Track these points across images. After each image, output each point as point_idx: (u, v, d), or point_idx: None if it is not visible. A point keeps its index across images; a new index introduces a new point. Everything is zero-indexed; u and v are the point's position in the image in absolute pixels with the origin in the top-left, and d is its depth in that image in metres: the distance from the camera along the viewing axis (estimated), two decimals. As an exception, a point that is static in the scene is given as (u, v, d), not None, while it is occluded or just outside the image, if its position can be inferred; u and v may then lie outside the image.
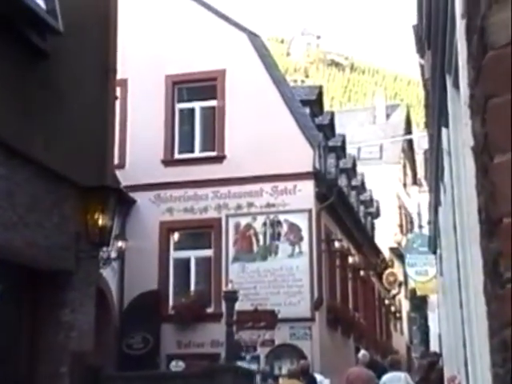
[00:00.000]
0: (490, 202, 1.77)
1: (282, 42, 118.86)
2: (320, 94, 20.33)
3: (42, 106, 6.06)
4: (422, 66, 9.70)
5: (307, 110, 18.76)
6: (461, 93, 2.49)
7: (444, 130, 3.99)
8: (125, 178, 15.29)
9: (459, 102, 2.65)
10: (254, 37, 17.21)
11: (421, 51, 8.40)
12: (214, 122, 16.68)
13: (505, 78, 1.69)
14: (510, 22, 1.63)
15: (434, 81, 4.25)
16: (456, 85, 2.90)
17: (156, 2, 17.16)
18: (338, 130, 22.82)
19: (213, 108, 16.79)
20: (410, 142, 40.46)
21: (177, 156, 16.74)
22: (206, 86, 16.87)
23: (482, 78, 1.81)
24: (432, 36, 3.93)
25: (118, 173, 13.90)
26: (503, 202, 1.64)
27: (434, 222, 9.70)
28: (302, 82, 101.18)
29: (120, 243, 13.97)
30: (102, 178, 6.92)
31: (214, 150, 16.58)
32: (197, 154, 16.73)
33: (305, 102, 18.70)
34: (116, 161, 13.11)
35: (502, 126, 1.67)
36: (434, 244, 11.45)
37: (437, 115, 4.26)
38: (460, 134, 2.91)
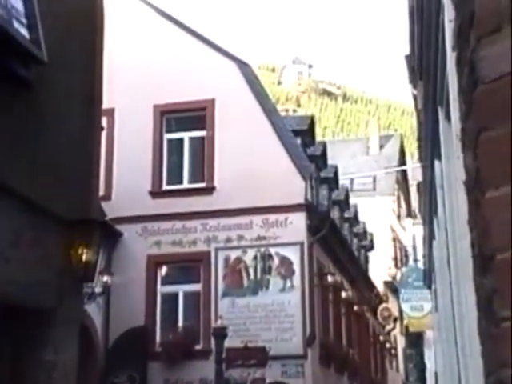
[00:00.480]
0: (483, 237, 1.78)
1: (273, 70, 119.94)
2: (312, 124, 20.47)
3: (24, 137, 6.06)
4: (414, 96, 9.80)
5: (299, 141, 18.85)
6: (452, 126, 2.51)
7: (437, 163, 4.02)
8: (111, 210, 15.25)
9: (451, 135, 2.67)
10: (243, 66, 17.37)
11: (413, 81, 8.49)
12: (203, 153, 16.72)
13: (496, 112, 1.71)
14: (500, 56, 1.66)
15: (426, 113, 4.29)
16: (448, 117, 2.93)
17: (144, 30, 17.31)
18: (331, 160, 22.92)
19: (202, 138, 16.85)
20: (404, 173, 40.69)
21: (165, 187, 16.73)
22: (194, 115, 16.95)
23: (473, 111, 1.83)
24: (424, 67, 3.98)
25: (103, 205, 13.87)
26: (495, 237, 1.65)
27: (429, 256, 9.69)
28: (294, 111, 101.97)
29: (105, 278, 13.88)
30: (87, 211, 6.89)
31: (203, 181, 16.59)
32: (185, 185, 16.73)
33: (296, 132, 18.81)
34: (102, 192, 13.18)
35: (493, 161, 1.69)
36: (428, 278, 11.43)
37: (429, 147, 4.30)
38: (452, 167, 2.93)
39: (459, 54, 2.12)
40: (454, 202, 3.19)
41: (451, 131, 2.75)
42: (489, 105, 1.70)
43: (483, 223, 1.72)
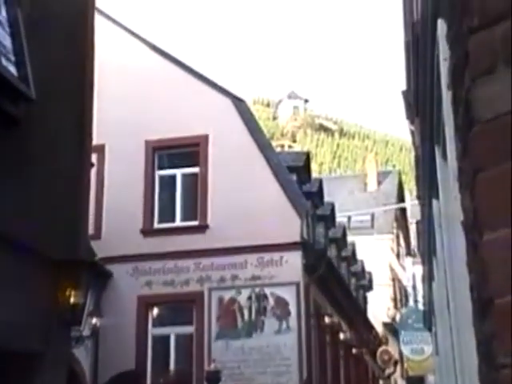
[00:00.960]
0: (481, 280, 1.78)
1: (268, 105, 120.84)
2: (308, 160, 20.55)
3: (12, 174, 6.06)
4: (412, 132, 9.87)
5: (294, 177, 18.90)
6: (449, 165, 2.53)
7: (435, 202, 4.04)
8: (100, 249, 15.17)
9: (448, 174, 2.69)
10: (238, 101, 17.50)
11: (410, 117, 8.56)
12: (196, 190, 16.73)
13: (492, 153, 1.72)
14: (495, 96, 1.68)
15: (423, 150, 4.33)
16: (444, 156, 2.95)
17: (135, 65, 17.45)
18: (327, 197, 22.96)
19: (195, 175, 16.88)
20: (402, 211, 40.73)
21: (156, 225, 16.69)
22: (187, 152, 17.01)
23: (469, 151, 1.84)
24: (420, 105, 4.02)
25: (93, 244, 13.81)
26: (494, 281, 1.65)
27: (429, 297, 9.64)
28: (290, 147, 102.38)
29: (94, 320, 13.73)
30: (75, 251, 6.85)
31: (195, 219, 16.56)
32: (178, 223, 16.70)
33: (292, 169, 18.87)
34: (91, 231, 13.12)
35: (490, 202, 1.69)
36: (429, 320, 11.35)
37: (427, 186, 4.32)
38: (450, 207, 2.94)
39: (454, 92, 2.14)
40: (453, 242, 3.19)
41: (448, 170, 2.76)
42: (485, 145, 1.71)
43: (481, 266, 1.72)
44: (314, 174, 24.05)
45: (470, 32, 1.68)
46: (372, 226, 36.97)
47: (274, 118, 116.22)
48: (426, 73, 3.49)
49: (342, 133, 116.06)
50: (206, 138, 16.71)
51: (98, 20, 11.39)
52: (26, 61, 5.64)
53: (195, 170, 16.88)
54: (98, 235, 15.75)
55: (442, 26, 2.44)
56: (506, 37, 1.62)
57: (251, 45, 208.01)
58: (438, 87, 2.94)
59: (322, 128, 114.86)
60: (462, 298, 2.70)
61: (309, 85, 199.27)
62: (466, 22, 1.69)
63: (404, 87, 9.38)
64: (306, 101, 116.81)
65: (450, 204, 3.11)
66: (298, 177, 19.17)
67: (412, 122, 8.29)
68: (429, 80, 3.33)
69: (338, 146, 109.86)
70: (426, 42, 3.21)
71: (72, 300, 6.45)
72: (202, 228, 16.31)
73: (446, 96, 2.45)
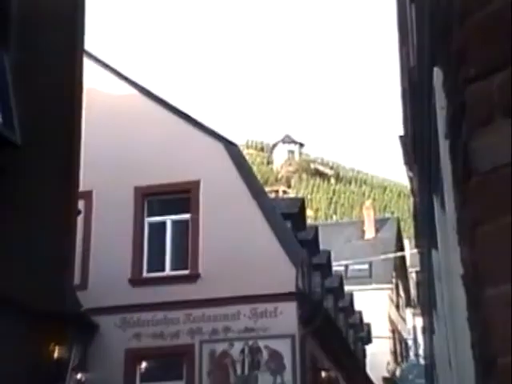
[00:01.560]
0: (483, 338, 1.76)
1: (262, 149, 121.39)
2: (303, 207, 20.58)
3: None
4: (411, 178, 9.93)
5: (289, 224, 18.90)
6: (448, 216, 2.53)
7: (434, 253, 4.03)
8: (87, 300, 14.98)
9: (447, 225, 2.70)
10: (230, 146, 17.59)
11: (409, 163, 8.63)
12: (186, 238, 16.69)
13: (491, 205, 1.73)
14: (494, 147, 1.69)
15: (421, 199, 4.35)
16: (443, 206, 2.96)
17: (124, 108, 17.57)
18: (323, 245, 22.92)
19: (186, 222, 16.86)
20: (402, 259, 40.65)
21: (145, 275, 16.59)
22: (178, 198, 17.02)
23: (468, 203, 1.85)
24: (417, 152, 4.06)
25: (79, 294, 13.60)
26: (496, 339, 1.63)
27: (430, 351, 9.56)
28: (284, 192, 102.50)
29: (79, 375, 13.51)
30: (60, 302, 6.79)
31: (186, 269, 16.48)
32: (168, 272, 16.61)
33: (286, 216, 18.88)
34: (77, 281, 13.02)
35: (490, 257, 1.69)
36: (431, 376, 11.22)
37: (426, 236, 4.32)
38: (450, 259, 2.94)
39: (452, 142, 2.16)
40: (453, 296, 3.18)
41: (447, 221, 2.77)
42: (484, 197, 1.72)
43: (483, 324, 1.71)
44: (310, 221, 24.08)
45: (467, 82, 1.70)
46: (370, 276, 36.83)
47: (268, 163, 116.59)
48: (422, 121, 3.52)
49: (338, 178, 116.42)
50: (197, 183, 16.74)
51: (87, 63, 11.53)
52: (12, 106, 5.66)
53: (186, 216, 16.87)
54: (84, 285, 15.62)
55: (438, 74, 2.48)
56: (503, 87, 1.65)
57: (245, 87, 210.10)
58: (436, 136, 2.97)
59: (318, 173, 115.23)
60: (464, 355, 2.67)
61: (304, 128, 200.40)
62: (462, 72, 1.72)
63: (401, 132, 9.48)
64: (301, 145, 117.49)
65: (449, 256, 3.10)
66: (292, 224, 19.16)
67: (410, 169, 8.35)
68: (426, 128, 3.36)
69: (334, 191, 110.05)
70: (423, 90, 3.25)
71: (56, 355, 6.37)
72: (193, 277, 16.22)
73: (444, 145, 2.46)
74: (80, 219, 12.17)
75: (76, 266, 7.86)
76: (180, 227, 17.04)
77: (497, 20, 1.56)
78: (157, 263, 16.75)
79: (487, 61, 1.65)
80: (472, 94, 1.71)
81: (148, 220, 17.06)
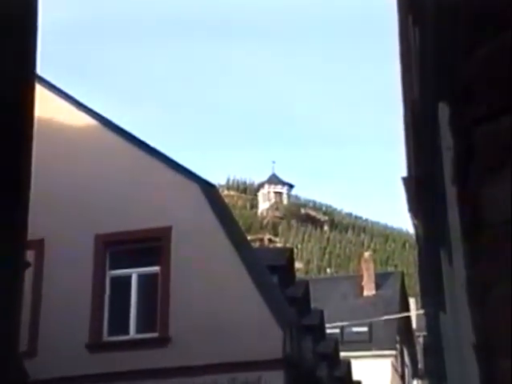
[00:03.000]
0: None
1: (245, 191, 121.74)
2: (291, 258, 20.62)
3: None
4: (416, 227, 9.96)
5: (275, 279, 18.88)
6: (456, 273, 2.54)
7: (442, 315, 4.03)
8: (36, 369, 14.77)
9: (456, 284, 2.70)
10: (208, 187, 17.63)
11: (413, 210, 8.66)
12: (155, 294, 16.60)
13: (506, 264, 1.74)
14: (506, 197, 1.71)
15: (427, 253, 4.36)
16: (451, 261, 2.98)
17: (84, 143, 17.60)
18: (315, 304, 22.88)
19: (154, 276, 16.79)
20: (407, 321, 40.55)
21: (106, 339, 16.46)
22: (146, 248, 16.97)
23: (479, 261, 1.85)
24: (422, 198, 4.09)
25: (26, 363, 13.47)
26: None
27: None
28: (270, 241, 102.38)
29: None
30: (3, 373, 6.68)
31: (155, 331, 16.37)
32: (132, 335, 16.49)
33: (272, 268, 18.88)
34: (24, 347, 12.87)
35: (506, 324, 1.69)
36: None
37: (433, 295, 4.33)
38: (459, 322, 2.94)
39: (460, 189, 2.19)
40: (464, 367, 3.17)
41: (455, 278, 2.78)
42: (496, 254, 1.73)
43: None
44: (299, 275, 24.03)
45: (475, 123, 1.73)
46: (370, 340, 36.69)
47: (252, 207, 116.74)
48: (427, 161, 3.56)
49: (332, 225, 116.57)
50: (168, 230, 16.71)
51: (39, 89, 11.55)
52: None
53: (155, 269, 16.80)
54: (33, 352, 15.46)
55: (443, 110, 2.52)
56: (515, 129, 1.67)
57: (225, 118, 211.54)
58: (442, 180, 3.00)
59: (309, 219, 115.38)
60: None
61: (293, 167, 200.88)
62: (469, 111, 1.74)
63: (404, 173, 9.55)
64: (291, 186, 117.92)
65: (458, 319, 3.11)
66: (279, 278, 19.17)
67: (415, 216, 8.39)
68: (431, 170, 3.39)
69: (328, 240, 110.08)
70: (427, 126, 3.29)
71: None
72: (163, 341, 16.10)
73: (451, 191, 2.49)
74: (28, 273, 12.07)
75: (23, 329, 7.75)
76: (148, 282, 16.95)
77: (506, 54, 1.58)
78: (120, 325, 16.62)
79: (497, 99, 1.68)
80: (480, 136, 1.73)
81: (110, 273, 16.96)
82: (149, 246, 16.97)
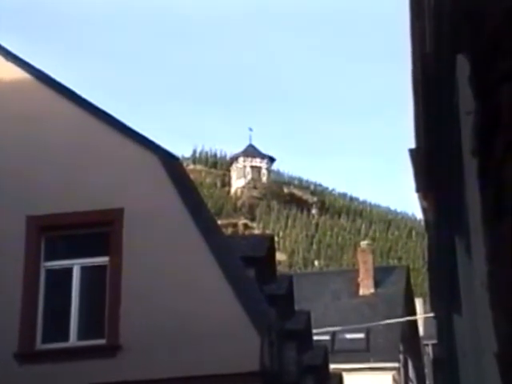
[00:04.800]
0: None
1: (216, 165, 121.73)
2: (272, 248, 20.61)
3: None
4: (424, 210, 9.97)
5: (252, 273, 18.89)
6: (475, 267, 2.54)
7: (457, 318, 4.04)
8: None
9: (473, 279, 2.70)
10: (170, 160, 17.58)
11: (422, 189, 8.65)
12: (103, 291, 16.59)
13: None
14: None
15: (439, 242, 4.37)
16: (469, 251, 2.97)
17: (14, 101, 17.45)
18: (301, 304, 22.94)
19: (102, 268, 16.76)
20: (412, 326, 40.82)
21: (40, 347, 16.43)
22: (91, 234, 16.95)
23: (503, 254, 1.83)
24: (434, 174, 4.08)
25: None
26: None
27: None
28: (246, 227, 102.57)
29: None
30: None
31: (101, 337, 16.37)
32: (73, 342, 16.47)
33: (249, 260, 18.92)
34: None
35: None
36: None
37: (445, 294, 4.34)
38: (478, 327, 2.94)
39: (481, 163, 2.17)
40: (483, 380, 3.19)
41: (474, 274, 2.77)
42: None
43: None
44: (282, 269, 24.12)
45: (502, 80, 1.70)
46: (367, 349, 36.92)
47: (224, 185, 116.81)
48: (441, 129, 3.55)
49: (323, 208, 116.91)
50: (119, 213, 16.67)
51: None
52: None
53: (103, 260, 16.77)
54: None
55: (462, 64, 2.49)
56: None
57: (189, 78, 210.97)
58: (459, 151, 2.98)
59: (294, 200, 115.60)
60: None
61: (275, 136, 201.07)
62: (495, 65, 1.71)
63: (412, 144, 9.53)
64: (272, 160, 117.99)
65: (477, 323, 3.11)
66: (257, 272, 19.19)
67: (425, 197, 8.36)
68: (446, 139, 3.38)
69: (316, 227, 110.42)
70: (441, 85, 3.27)
71: None
72: (112, 350, 16.12)
73: (470, 166, 2.47)
74: None
75: None
76: (93, 276, 16.95)
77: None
78: (57, 329, 16.63)
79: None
80: (509, 95, 1.70)
81: (46, 265, 16.91)
82: (95, 231, 16.94)
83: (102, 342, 16.38)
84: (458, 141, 3.07)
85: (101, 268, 16.85)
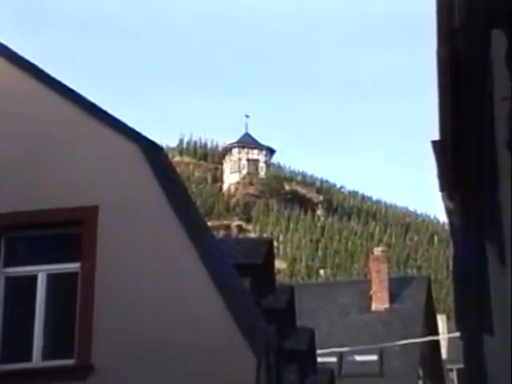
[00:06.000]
0: None
1: (206, 157, 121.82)
2: (270, 255, 20.59)
3: None
4: (449, 212, 9.98)
5: (247, 283, 18.91)
6: (510, 278, 2.53)
7: (487, 340, 4.04)
8: None
9: (508, 292, 2.69)
10: (153, 150, 17.58)
11: (448, 188, 8.63)
12: (73, 303, 16.58)
13: None
14: None
15: (466, 249, 4.37)
16: (502, 260, 2.97)
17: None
18: (303, 320, 22.93)
19: (72, 276, 16.76)
20: (434, 347, 40.86)
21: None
22: (60, 235, 16.95)
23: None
24: (461, 171, 4.09)
25: None
26: None
27: None
28: (241, 229, 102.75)
29: None
30: None
31: (70, 356, 16.33)
32: (37, 362, 16.41)
33: (243, 269, 18.91)
34: None
35: None
36: None
37: (473, 311, 4.34)
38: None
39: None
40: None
41: (508, 284, 2.77)
42: None
43: None
44: (282, 279, 24.19)
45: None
46: (381, 373, 36.94)
47: (215, 180, 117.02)
48: (470, 118, 3.55)
49: (330, 208, 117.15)
50: (93, 211, 16.67)
51: None
52: None
53: (73, 266, 16.76)
54: None
55: (497, 41, 2.48)
56: None
57: (176, 56, 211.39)
58: (491, 144, 2.97)
59: (297, 199, 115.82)
60: None
61: (275, 125, 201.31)
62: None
63: (436, 135, 9.50)
64: (271, 151, 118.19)
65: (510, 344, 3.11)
66: (253, 283, 19.21)
67: (450, 197, 8.34)
68: (475, 130, 3.38)
69: (322, 230, 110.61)
70: (472, 66, 3.26)
71: None
72: (83, 372, 16.13)
73: (504, 161, 2.48)
74: None
75: None
76: (62, 285, 16.95)
77: None
78: (19, 347, 16.65)
79: None
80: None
81: (6, 272, 16.91)
82: (64, 233, 16.94)
83: (70, 362, 16.33)
84: (490, 132, 3.08)
85: (71, 276, 16.83)
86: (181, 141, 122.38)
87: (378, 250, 50.51)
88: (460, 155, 4.24)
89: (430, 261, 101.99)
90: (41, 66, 18.00)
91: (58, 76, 17.97)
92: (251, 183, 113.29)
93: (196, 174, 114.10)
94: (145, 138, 17.53)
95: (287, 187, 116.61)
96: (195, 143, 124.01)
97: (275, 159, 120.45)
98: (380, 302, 41.99)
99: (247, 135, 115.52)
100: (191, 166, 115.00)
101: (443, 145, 8.12)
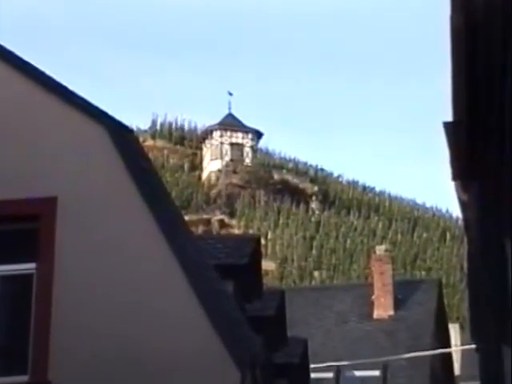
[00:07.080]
0: None
1: (183, 141, 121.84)
2: (257, 254, 20.63)
3: None
4: (464, 205, 9.99)
5: (231, 287, 18.93)
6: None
7: (507, 351, 4.05)
8: None
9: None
10: (121, 132, 17.57)
11: (461, 177, 8.63)
12: (27, 310, 16.59)
13: None
14: None
15: (484, 249, 4.37)
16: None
17: None
18: (295, 329, 22.94)
19: (27, 278, 16.76)
20: (445, 361, 40.98)
21: None
22: (13, 232, 16.94)
23: None
24: (478, 158, 4.08)
25: None
26: None
27: None
28: (223, 225, 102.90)
29: None
30: None
31: (24, 372, 16.37)
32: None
33: (226, 270, 18.95)
34: None
35: None
36: None
37: (491, 321, 4.34)
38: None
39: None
40: None
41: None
42: None
43: None
44: (270, 281, 24.28)
45: None
46: (384, 390, 37.06)
47: (194, 168, 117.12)
48: (489, 96, 3.54)
49: (326, 200, 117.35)
50: (51, 203, 16.68)
51: None
52: None
53: (27, 267, 16.77)
54: None
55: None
56: None
57: (148, 22, 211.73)
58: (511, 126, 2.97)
59: (288, 189, 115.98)
60: None
61: (262, 104, 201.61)
62: None
63: (449, 116, 9.49)
64: (259, 135, 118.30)
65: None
66: (237, 286, 19.23)
67: (465, 188, 8.33)
68: (494, 111, 3.37)
69: (317, 225, 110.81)
70: (491, 36, 3.25)
71: None
72: (38, 389, 16.16)
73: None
74: None
75: None
76: (14, 289, 16.97)
77: None
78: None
79: None
80: None
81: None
82: (17, 229, 16.94)
83: (24, 378, 16.37)
84: (511, 111, 3.07)
85: (25, 278, 16.83)
86: (154, 122, 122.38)
87: (380, 249, 50.55)
88: (476, 140, 4.22)
89: (441, 261, 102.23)
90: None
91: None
92: (235, 171, 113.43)
93: (171, 160, 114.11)
94: (112, 119, 17.51)
95: (276, 176, 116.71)
96: (170, 125, 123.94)
97: (263, 144, 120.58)
98: (383, 309, 42.09)
99: (230, 116, 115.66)
100: (166, 152, 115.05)
101: (457, 126, 8.11)
